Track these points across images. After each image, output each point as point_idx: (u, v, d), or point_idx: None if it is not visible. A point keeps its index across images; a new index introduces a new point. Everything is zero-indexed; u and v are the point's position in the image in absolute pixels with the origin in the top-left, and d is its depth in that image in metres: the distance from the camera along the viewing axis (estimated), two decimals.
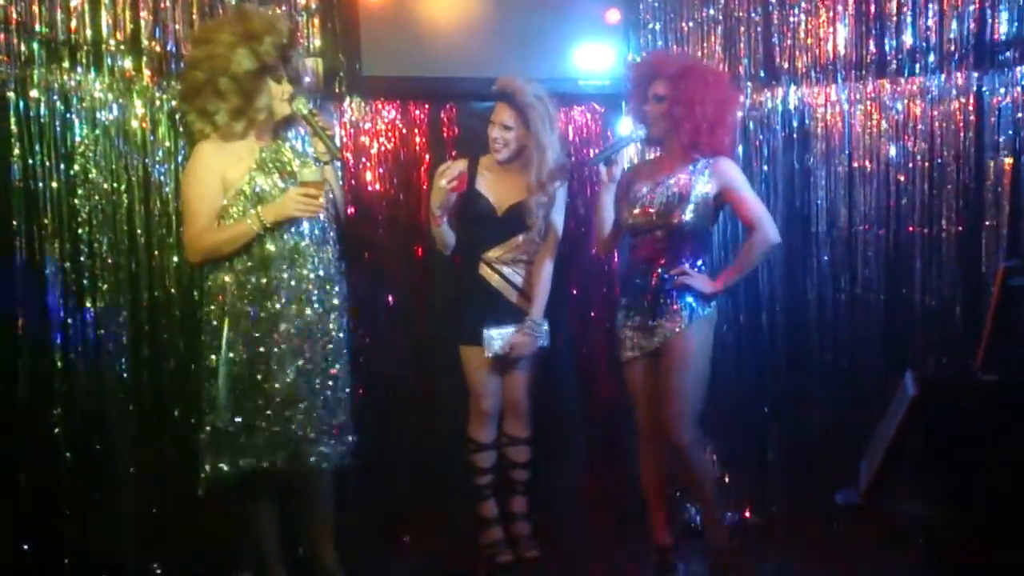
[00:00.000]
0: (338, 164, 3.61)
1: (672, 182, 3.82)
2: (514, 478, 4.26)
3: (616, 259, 4.74)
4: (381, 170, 4.73)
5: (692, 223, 3.79)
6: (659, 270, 3.81)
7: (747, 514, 4.62)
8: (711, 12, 4.66)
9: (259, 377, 3.42)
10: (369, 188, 4.70)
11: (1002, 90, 4.17)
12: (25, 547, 3.75)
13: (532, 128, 4.00)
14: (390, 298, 4.73)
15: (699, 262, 3.85)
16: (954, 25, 4.25)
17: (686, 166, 3.83)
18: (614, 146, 3.85)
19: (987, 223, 4.18)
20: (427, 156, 4.78)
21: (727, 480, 4.59)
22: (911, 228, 4.38)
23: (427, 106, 4.79)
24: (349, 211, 4.26)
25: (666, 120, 3.80)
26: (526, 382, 4.18)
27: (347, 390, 3.61)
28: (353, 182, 4.60)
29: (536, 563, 4.20)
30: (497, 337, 4.04)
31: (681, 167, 3.83)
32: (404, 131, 4.77)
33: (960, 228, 4.29)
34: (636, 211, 3.86)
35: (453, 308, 4.28)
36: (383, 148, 4.73)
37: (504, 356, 4.07)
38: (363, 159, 4.68)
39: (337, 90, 4.58)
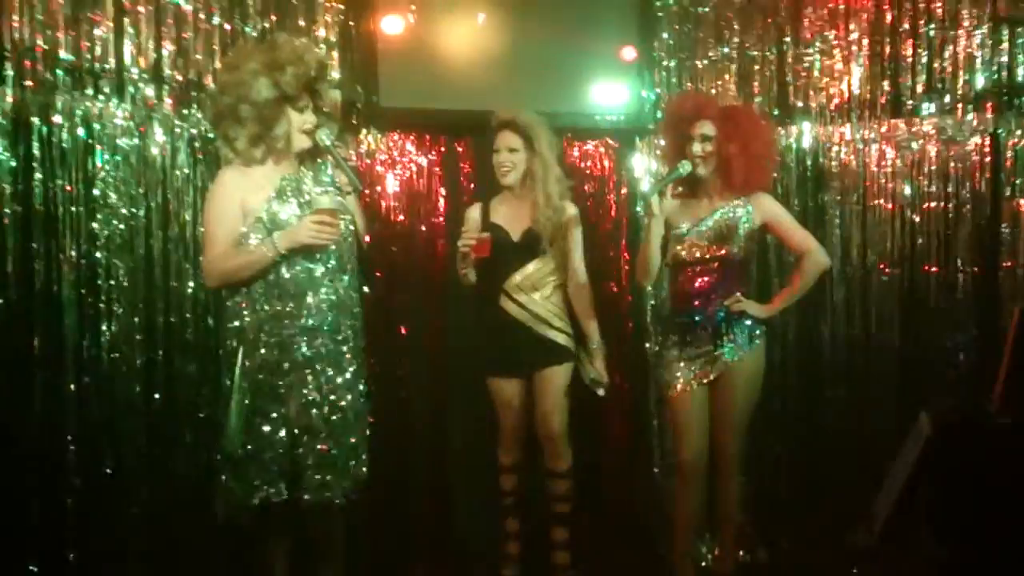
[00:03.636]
0: (355, 194, 3.61)
1: (718, 217, 3.92)
2: (555, 510, 4.24)
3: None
4: (396, 202, 4.75)
5: (741, 255, 3.92)
6: (715, 301, 3.90)
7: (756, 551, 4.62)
8: (726, 50, 4.71)
9: (273, 405, 3.39)
10: (384, 219, 4.71)
11: (1018, 132, 4.20)
12: (33, 569, 3.72)
13: (536, 146, 4.08)
14: (402, 329, 4.74)
15: (743, 290, 3.94)
16: (969, 66, 4.28)
17: (727, 202, 3.93)
18: (666, 179, 3.93)
19: (1004, 264, 4.20)
20: (443, 188, 4.81)
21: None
22: (926, 268, 4.40)
23: (443, 138, 4.82)
24: (365, 240, 4.28)
25: (714, 158, 3.88)
26: (560, 413, 4.13)
27: (362, 419, 3.59)
28: (369, 212, 4.61)
29: None
30: (591, 377, 4.10)
31: (722, 203, 3.94)
32: (420, 163, 4.80)
33: (976, 269, 4.31)
34: (683, 247, 3.95)
35: (479, 341, 4.28)
36: (399, 179, 4.76)
37: (601, 381, 4.10)
38: (379, 189, 4.71)
39: (354, 121, 4.62)
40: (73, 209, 3.83)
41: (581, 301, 4.15)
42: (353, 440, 3.52)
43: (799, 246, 3.98)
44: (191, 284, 4.10)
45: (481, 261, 4.06)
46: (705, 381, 3.92)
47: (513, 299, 4.11)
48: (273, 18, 4.31)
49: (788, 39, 4.66)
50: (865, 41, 4.53)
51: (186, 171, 4.11)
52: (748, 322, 3.91)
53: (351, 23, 4.57)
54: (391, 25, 4.62)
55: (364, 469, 3.56)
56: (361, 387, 3.60)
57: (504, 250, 4.10)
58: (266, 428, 3.38)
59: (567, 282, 4.15)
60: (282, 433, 3.38)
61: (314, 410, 3.43)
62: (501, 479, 4.23)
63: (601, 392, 4.10)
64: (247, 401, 3.37)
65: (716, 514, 4.10)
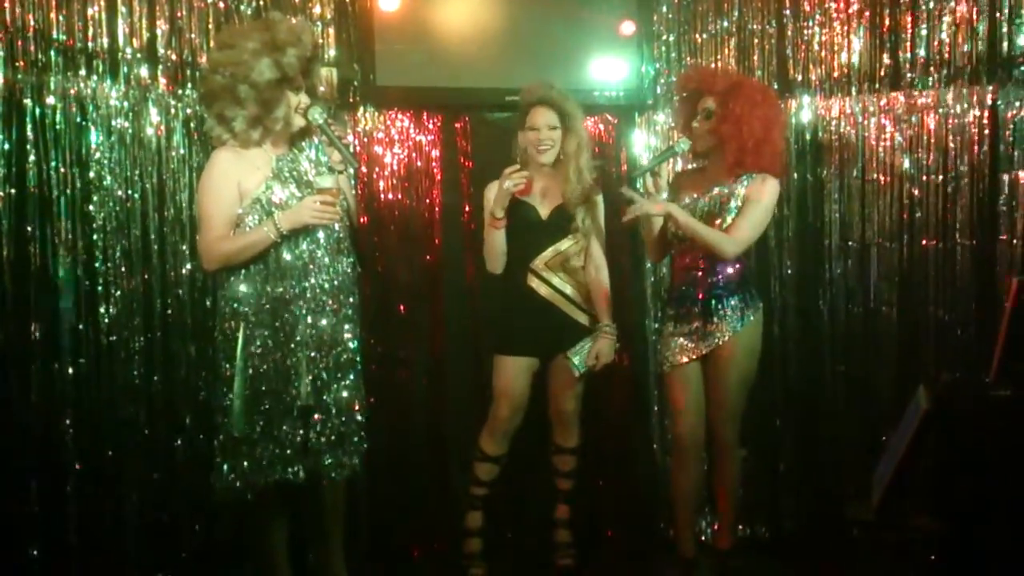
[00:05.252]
0: (351, 172, 3.59)
1: (716, 193, 3.87)
2: (559, 486, 4.24)
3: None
4: (394, 180, 4.73)
5: None
6: (708, 276, 3.88)
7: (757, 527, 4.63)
8: (725, 24, 4.67)
9: (276, 387, 3.40)
10: (382, 197, 4.70)
11: (1017, 104, 4.17)
12: (33, 553, 3.73)
13: (572, 122, 4.03)
14: (401, 307, 4.73)
15: (738, 266, 3.90)
16: (968, 38, 4.25)
17: (730, 179, 3.87)
18: (658, 158, 3.90)
19: (1001, 237, 4.18)
20: (440, 166, 4.78)
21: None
22: (925, 241, 4.38)
23: (441, 116, 4.79)
24: (362, 220, 4.27)
25: (712, 136, 3.84)
26: (574, 391, 4.13)
27: (360, 400, 3.59)
28: (366, 191, 4.61)
29: (567, 571, 4.20)
30: (577, 355, 4.03)
31: (725, 180, 3.88)
32: (418, 141, 4.77)
33: (974, 242, 4.29)
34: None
35: (497, 318, 4.27)
36: (396, 158, 4.74)
37: (592, 368, 4.05)
38: (376, 169, 4.69)
39: (351, 100, 4.60)
40: (68, 191, 3.82)
41: (600, 283, 4.11)
42: (357, 418, 3.55)
43: (733, 230, 3.79)
44: (188, 265, 4.09)
45: (506, 232, 4.01)
46: (696, 357, 3.90)
47: (541, 278, 4.06)
48: None
49: (787, 12, 4.60)
50: (865, 13, 4.48)
51: (182, 151, 4.09)
52: (739, 297, 3.87)
53: (347, 0, 4.54)
54: (387, 2, 4.58)
55: (364, 447, 3.58)
56: (360, 366, 3.61)
57: (531, 228, 4.06)
58: (277, 410, 3.40)
59: (586, 262, 4.12)
60: (291, 413, 3.41)
61: (323, 389, 3.45)
62: (479, 468, 4.14)
63: (576, 374, 4.05)
64: (251, 383, 3.39)
65: (715, 489, 4.11)
